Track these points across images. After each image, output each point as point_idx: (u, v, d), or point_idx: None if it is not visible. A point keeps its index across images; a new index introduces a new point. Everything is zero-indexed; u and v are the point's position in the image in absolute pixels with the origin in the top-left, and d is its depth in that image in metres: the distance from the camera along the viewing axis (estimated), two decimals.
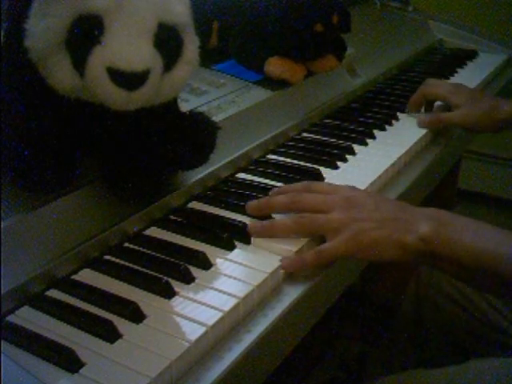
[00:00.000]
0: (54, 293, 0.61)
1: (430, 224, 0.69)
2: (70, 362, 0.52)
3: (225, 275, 0.65)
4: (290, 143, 0.98)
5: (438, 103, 1.14)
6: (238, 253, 0.69)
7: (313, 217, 0.70)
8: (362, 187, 0.82)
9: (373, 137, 1.02)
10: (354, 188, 0.76)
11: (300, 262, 0.67)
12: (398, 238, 0.68)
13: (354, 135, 1.01)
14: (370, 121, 1.09)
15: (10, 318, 0.57)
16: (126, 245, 0.69)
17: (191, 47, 0.65)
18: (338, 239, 0.68)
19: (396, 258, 0.69)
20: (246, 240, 0.70)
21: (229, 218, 0.74)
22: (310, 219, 0.70)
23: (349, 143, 0.98)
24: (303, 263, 0.67)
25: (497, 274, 0.68)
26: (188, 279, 0.63)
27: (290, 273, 0.67)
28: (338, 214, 0.69)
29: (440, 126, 1.08)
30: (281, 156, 0.94)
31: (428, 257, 0.69)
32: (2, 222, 0.60)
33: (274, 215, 0.74)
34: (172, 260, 0.66)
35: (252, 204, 0.74)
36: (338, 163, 0.91)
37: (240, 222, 0.73)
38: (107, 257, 0.67)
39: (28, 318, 0.58)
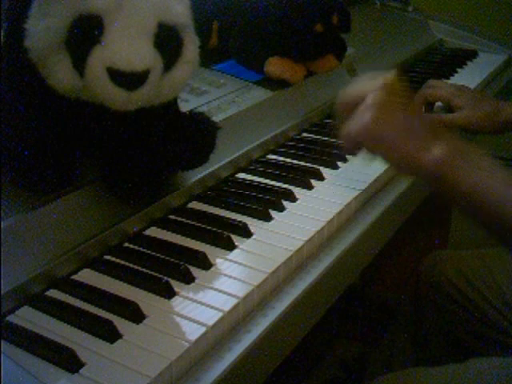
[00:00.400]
0: (53, 293, 0.61)
1: (447, 149, 0.67)
2: (70, 361, 0.52)
3: (225, 275, 0.65)
4: (290, 143, 0.98)
5: (438, 104, 1.14)
6: (238, 253, 0.69)
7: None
8: (363, 187, 0.82)
9: None
10: None
11: (347, 137, 0.70)
12: (413, 152, 0.68)
13: None
14: None
15: (10, 318, 0.57)
16: (126, 245, 0.69)
17: (191, 47, 0.65)
18: (366, 115, 0.68)
19: (404, 168, 0.70)
20: (247, 234, 0.71)
21: (229, 218, 0.74)
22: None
23: None
24: (351, 137, 0.69)
25: (498, 215, 0.65)
26: (188, 279, 0.63)
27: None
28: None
29: (441, 127, 1.08)
30: (281, 156, 0.93)
31: (437, 181, 0.68)
32: (2, 222, 0.60)
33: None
34: (172, 260, 0.66)
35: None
36: (338, 163, 0.91)
37: (240, 221, 0.73)
38: (107, 257, 0.67)
39: (28, 318, 0.58)
